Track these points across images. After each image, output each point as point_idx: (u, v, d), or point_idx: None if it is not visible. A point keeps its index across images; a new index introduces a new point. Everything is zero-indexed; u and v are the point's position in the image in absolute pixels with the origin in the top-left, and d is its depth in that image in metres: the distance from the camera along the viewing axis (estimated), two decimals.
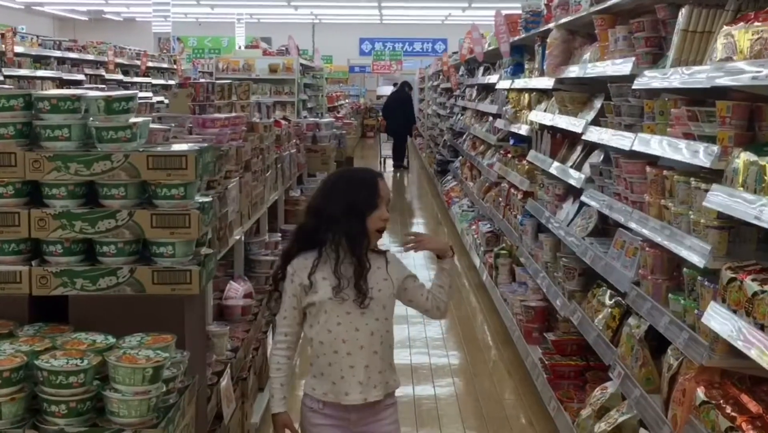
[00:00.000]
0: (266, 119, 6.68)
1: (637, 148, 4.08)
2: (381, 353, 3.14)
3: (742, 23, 2.97)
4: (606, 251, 4.74)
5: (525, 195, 7.15)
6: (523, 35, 7.63)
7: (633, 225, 4.15)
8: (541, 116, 6.66)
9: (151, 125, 3.36)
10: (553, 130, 6.38)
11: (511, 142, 8.27)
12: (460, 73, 14.32)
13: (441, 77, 18.45)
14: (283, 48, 14.90)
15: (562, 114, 5.95)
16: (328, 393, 3.10)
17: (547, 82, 6.38)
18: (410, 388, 5.82)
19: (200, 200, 3.22)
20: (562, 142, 6.24)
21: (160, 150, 3.07)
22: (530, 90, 7.46)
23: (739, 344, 2.82)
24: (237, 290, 4.94)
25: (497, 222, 8.38)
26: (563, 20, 5.98)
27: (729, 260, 3.14)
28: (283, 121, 7.71)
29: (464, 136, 12.74)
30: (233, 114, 5.31)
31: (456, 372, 6.26)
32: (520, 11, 8.19)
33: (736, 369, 3.26)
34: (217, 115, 5.09)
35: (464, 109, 13.19)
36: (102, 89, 11.26)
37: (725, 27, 3.13)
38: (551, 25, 6.26)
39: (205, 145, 3.33)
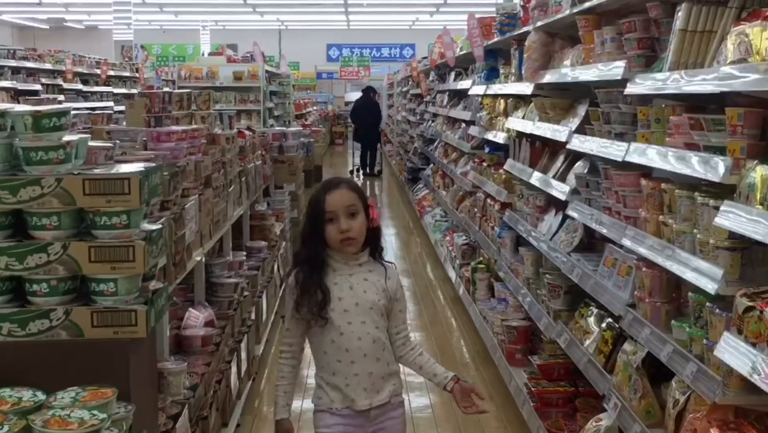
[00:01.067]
0: (229, 130, 6.28)
1: (631, 159, 3.73)
2: (384, 359, 3.23)
3: (758, 21, 2.63)
4: (595, 268, 4.40)
5: (503, 206, 6.81)
6: (498, 39, 7.29)
7: (627, 243, 3.80)
8: (519, 123, 6.32)
9: (92, 143, 2.96)
10: (532, 138, 6.04)
11: (487, 150, 7.93)
12: (431, 78, 13.98)
13: (410, 83, 18.11)
14: (248, 55, 14.46)
15: (543, 121, 5.61)
16: (335, 401, 3.19)
17: (525, 88, 6.04)
18: None
19: (148, 228, 2.81)
20: (542, 150, 5.90)
21: (98, 173, 2.65)
22: (506, 96, 7.13)
23: (761, 382, 2.48)
24: (197, 318, 4.54)
25: (473, 234, 8.03)
26: (542, 22, 5.65)
27: (743, 285, 2.80)
28: (246, 132, 7.31)
29: (435, 144, 12.40)
30: (191, 126, 4.92)
31: (433, 390, 5.88)
32: (493, 14, 7.88)
33: (752, 407, 2.92)
34: (172, 127, 4.69)
35: (435, 115, 12.85)
36: (55, 101, 10.79)
37: (737, 26, 2.79)
38: (529, 27, 5.92)
39: (153, 165, 2.92)
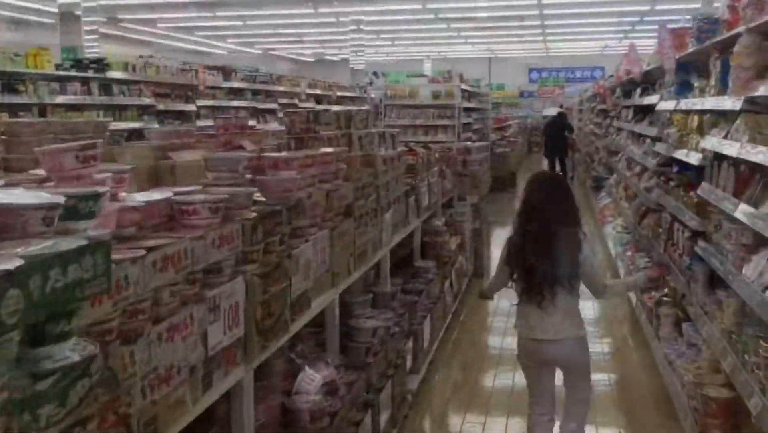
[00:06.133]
0: (392, 150, 4.61)
1: None
2: None
3: None
4: None
5: (694, 234, 4.68)
6: (694, 48, 5.11)
7: None
8: (720, 144, 4.18)
9: (38, 195, 1.38)
10: (736, 161, 3.92)
11: (675, 169, 5.74)
12: (616, 95, 11.62)
13: (597, 99, 15.64)
14: (447, 74, 12.74)
15: (755, 143, 3.50)
16: None
17: (729, 103, 3.93)
18: None
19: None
20: (751, 177, 3.76)
21: None
22: (701, 112, 4.96)
23: None
24: (311, 381, 2.91)
25: (657, 256, 5.88)
26: (756, 23, 3.53)
27: None
28: (421, 150, 5.62)
29: (619, 156, 10.11)
30: (320, 151, 3.29)
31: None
32: (686, 25, 5.69)
33: None
34: (289, 153, 3.09)
35: (619, 129, 10.52)
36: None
37: None
38: (740, 29, 3.80)
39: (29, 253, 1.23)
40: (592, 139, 16.60)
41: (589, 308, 6.79)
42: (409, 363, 4.35)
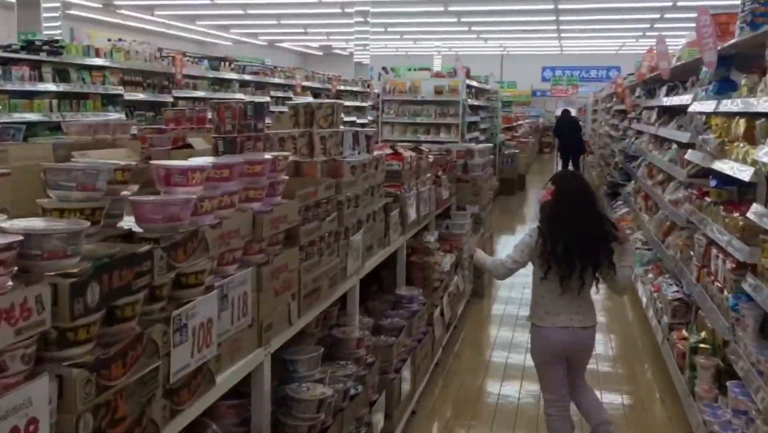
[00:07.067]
0: (365, 154, 3.69)
1: None
2: None
3: None
4: None
5: (740, 265, 3.75)
6: (745, 36, 4.15)
7: None
8: None
9: None
10: None
11: (713, 183, 4.79)
12: (636, 94, 10.63)
13: (614, 99, 14.63)
14: (453, 71, 11.78)
15: None
16: None
17: None
18: None
19: None
20: None
21: None
22: (751, 115, 4.01)
23: None
24: None
25: (687, 285, 4.93)
26: None
27: None
28: (408, 153, 4.69)
29: (638, 161, 9.14)
30: (239, 159, 2.37)
31: None
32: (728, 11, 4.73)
33: None
34: (192, 162, 2.16)
35: (639, 132, 9.55)
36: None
37: None
38: None
39: None
40: (607, 141, 15.60)
41: (605, 342, 5.84)
42: (378, 426, 3.42)
